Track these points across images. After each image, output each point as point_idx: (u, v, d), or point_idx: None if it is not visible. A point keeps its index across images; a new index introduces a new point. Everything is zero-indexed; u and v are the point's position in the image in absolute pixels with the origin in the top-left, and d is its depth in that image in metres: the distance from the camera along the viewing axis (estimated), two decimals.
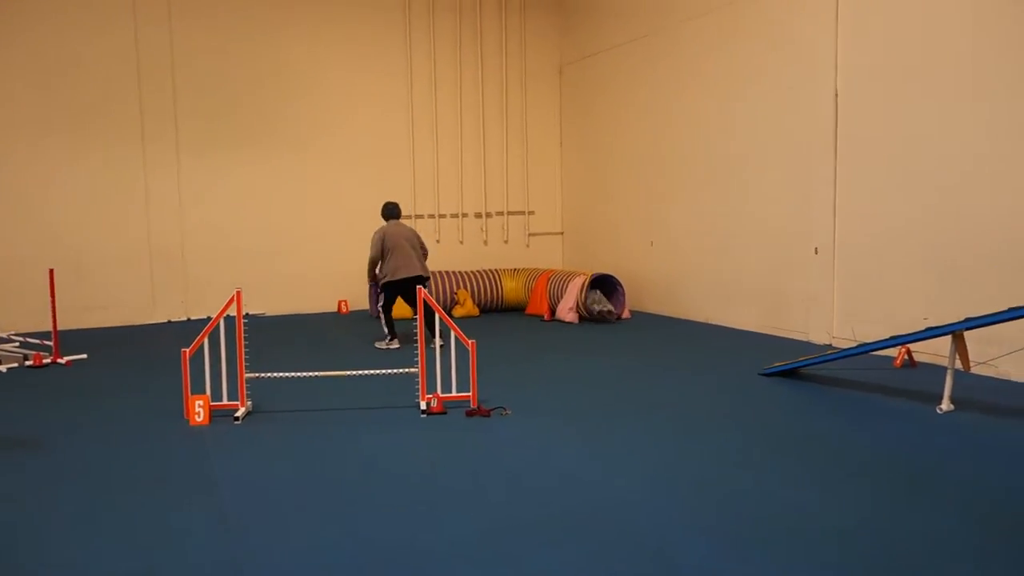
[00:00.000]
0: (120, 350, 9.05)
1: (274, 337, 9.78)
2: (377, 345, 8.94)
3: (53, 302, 8.39)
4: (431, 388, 6.17)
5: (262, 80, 11.99)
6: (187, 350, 5.85)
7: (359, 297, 12.32)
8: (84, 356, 8.50)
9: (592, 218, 13.09)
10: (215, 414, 5.85)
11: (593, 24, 12.69)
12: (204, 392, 5.87)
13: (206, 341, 5.89)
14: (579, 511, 3.97)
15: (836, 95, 8.37)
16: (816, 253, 8.69)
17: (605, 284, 11.13)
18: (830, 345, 8.44)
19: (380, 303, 9.05)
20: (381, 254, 8.77)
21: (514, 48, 13.40)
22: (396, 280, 8.68)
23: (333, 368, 6.90)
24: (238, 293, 5.89)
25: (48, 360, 8.21)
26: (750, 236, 9.72)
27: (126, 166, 11.32)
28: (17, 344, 8.91)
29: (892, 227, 7.84)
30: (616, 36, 12.07)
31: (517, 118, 13.53)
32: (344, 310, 12.22)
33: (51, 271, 8.45)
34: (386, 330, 8.93)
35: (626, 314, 11.06)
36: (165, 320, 11.46)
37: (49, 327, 8.47)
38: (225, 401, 5.96)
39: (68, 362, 8.24)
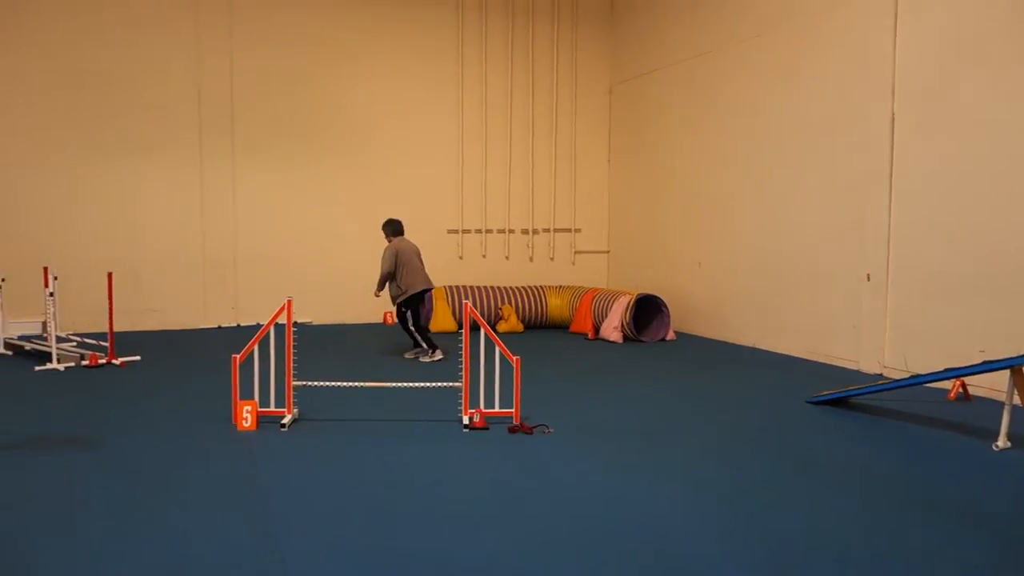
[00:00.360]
0: (172, 353, 9.27)
1: (320, 346, 9.92)
2: (423, 359, 9.00)
3: (111, 304, 8.64)
4: (474, 403, 6.19)
5: (316, 91, 12.24)
6: (237, 356, 5.97)
7: None
8: (138, 358, 8.72)
9: (639, 238, 13.03)
10: (262, 420, 5.95)
11: (644, 44, 12.69)
12: (252, 398, 5.97)
13: (256, 348, 6.00)
14: (618, 533, 3.94)
15: (893, 119, 8.22)
16: (868, 280, 8.52)
17: (650, 305, 11.06)
18: (881, 375, 8.25)
19: (408, 321, 9.05)
20: (394, 269, 8.89)
21: (565, 66, 13.47)
22: (415, 293, 8.92)
23: (377, 379, 6.97)
24: (289, 302, 6.00)
25: (103, 360, 8.45)
26: (799, 260, 9.58)
27: (184, 173, 11.65)
28: (75, 344, 9.19)
29: (948, 255, 7.66)
30: (667, 56, 12.04)
31: (566, 135, 13.57)
32: (390, 322, 12.34)
33: (110, 274, 8.72)
34: (424, 345, 9.03)
35: (671, 336, 10.96)
36: (216, 325, 11.71)
37: (105, 328, 8.71)
38: (272, 408, 6.06)
39: (122, 363, 8.47)
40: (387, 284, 9.02)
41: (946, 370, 6.08)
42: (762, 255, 10.22)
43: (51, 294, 8.33)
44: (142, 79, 11.38)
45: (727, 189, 10.87)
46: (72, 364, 8.33)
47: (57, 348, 8.38)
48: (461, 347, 6.20)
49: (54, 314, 8.50)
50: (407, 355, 9.18)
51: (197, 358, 8.95)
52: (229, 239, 11.92)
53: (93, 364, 8.32)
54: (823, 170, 9.21)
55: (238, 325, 11.77)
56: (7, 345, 9.26)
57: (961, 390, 7.17)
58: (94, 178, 11.25)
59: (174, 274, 11.61)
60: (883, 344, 8.38)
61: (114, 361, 8.48)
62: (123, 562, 3.55)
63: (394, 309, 9.28)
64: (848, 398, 6.95)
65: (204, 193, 11.75)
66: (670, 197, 12.15)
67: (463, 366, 6.13)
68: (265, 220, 12.05)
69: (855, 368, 8.65)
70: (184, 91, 11.57)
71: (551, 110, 13.45)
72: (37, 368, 8.19)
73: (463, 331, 6.18)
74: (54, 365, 8.22)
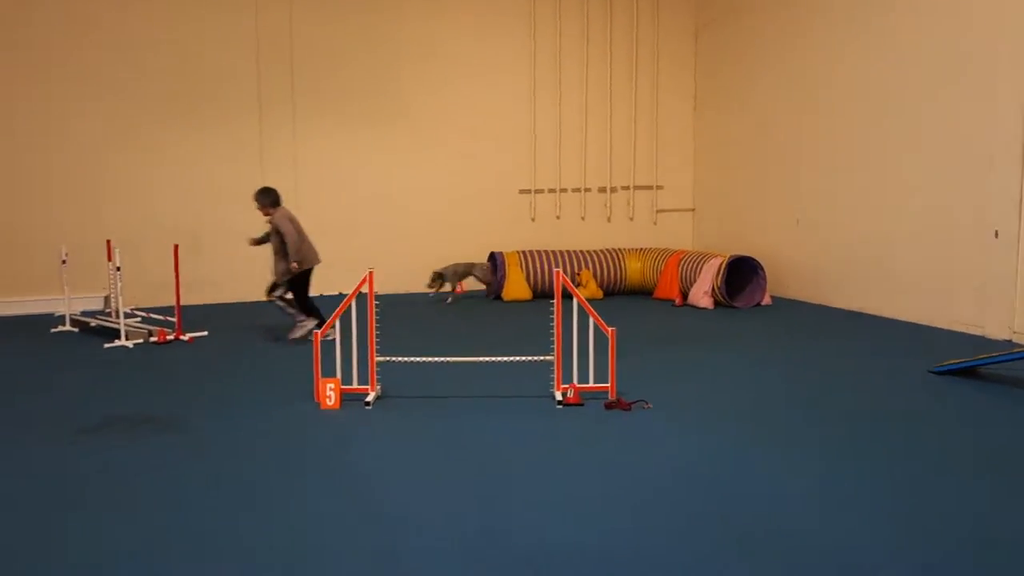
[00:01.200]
0: (238, 328, 9.53)
1: (392, 318, 10.07)
2: (298, 334, 8.60)
3: (177, 278, 8.92)
4: (567, 378, 6.23)
5: (379, 51, 12.28)
6: (319, 332, 6.11)
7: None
8: (205, 333, 9.01)
9: (728, 194, 12.82)
10: (345, 398, 6.09)
11: None
12: (334, 375, 6.12)
13: (337, 323, 6.14)
14: (731, 521, 3.94)
15: None
16: (996, 237, 8.22)
17: (743, 267, 10.90)
18: (1010, 341, 8.00)
19: (285, 291, 8.59)
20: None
21: (646, 5, 13.21)
22: (309, 268, 8.58)
23: (458, 352, 7.06)
24: (370, 274, 6.10)
25: (171, 336, 8.75)
26: (915, 215, 9.30)
27: (243, 141, 11.87)
28: (139, 320, 9.53)
29: None
30: None
31: (647, 83, 13.35)
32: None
33: (176, 247, 8.98)
34: (303, 315, 8.61)
35: (767, 300, 10.81)
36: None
37: (165, 302, 8.97)
38: (355, 385, 6.20)
39: (191, 339, 8.76)
40: (278, 258, 8.51)
41: None
42: (870, 210, 9.95)
43: (117, 268, 8.61)
44: (203, 48, 11.60)
45: (830, 137, 10.57)
46: (140, 341, 8.65)
47: (126, 325, 8.70)
48: (552, 317, 6.22)
49: (121, 289, 8.81)
50: (296, 335, 8.63)
51: (264, 332, 9.19)
52: (290, 205, 12.10)
53: (162, 340, 8.62)
54: (944, 113, 8.87)
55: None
56: (73, 322, 9.65)
57: None
58: (147, 145, 11.54)
59: (234, 244, 11.88)
60: (1013, 307, 8.11)
61: (182, 337, 8.77)
62: (236, 545, 3.70)
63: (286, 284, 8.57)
64: (977, 367, 6.77)
65: (264, 156, 11.97)
66: (764, 149, 11.89)
67: (554, 338, 6.16)
68: (327, 188, 12.22)
69: (979, 334, 8.40)
70: (243, 58, 11.75)
71: (630, 56, 13.23)
72: (106, 345, 8.53)
73: (553, 301, 6.20)
74: (122, 342, 8.55)
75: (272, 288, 8.67)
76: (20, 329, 9.70)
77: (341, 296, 5.96)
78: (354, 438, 5.31)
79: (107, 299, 10.65)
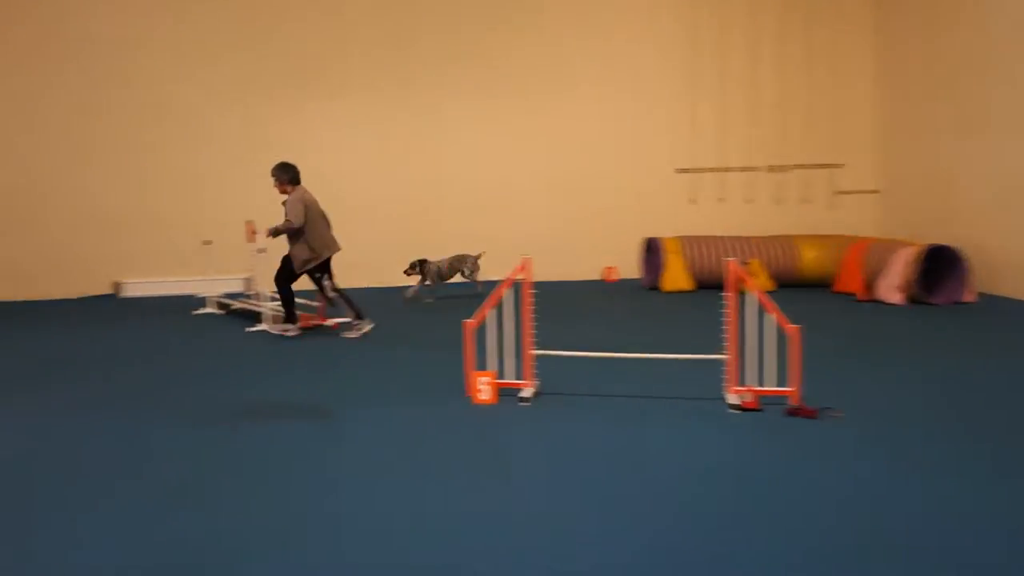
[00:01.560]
0: (383, 313, 9.79)
1: (542, 306, 10.10)
2: (289, 333, 8.69)
3: None
4: (742, 379, 6.03)
5: (518, 23, 12.32)
6: (470, 321, 6.17)
7: (628, 263, 12.40)
8: (348, 319, 9.30)
9: (920, 172, 12.09)
10: (500, 393, 6.13)
11: None
12: (487, 368, 6.17)
13: (492, 312, 6.18)
14: (948, 555, 3.67)
15: None
16: None
17: (940, 258, 10.26)
18: None
19: (286, 278, 8.65)
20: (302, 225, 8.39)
21: None
22: (322, 261, 8.50)
23: (614, 347, 6.97)
24: (526, 261, 6.10)
25: (314, 322, 9.09)
26: None
27: (386, 121, 12.23)
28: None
29: None
30: None
31: (823, 45, 12.76)
32: (612, 277, 12.35)
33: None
34: (287, 312, 8.69)
35: (970, 297, 10.13)
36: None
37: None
38: (510, 379, 6.23)
39: (335, 324, 9.07)
40: (292, 244, 8.49)
41: None
42: None
43: (261, 250, 9.02)
44: (344, 21, 12.01)
45: None
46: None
47: (269, 308, 9.11)
48: (722, 311, 6.03)
49: (262, 272, 9.21)
50: (280, 330, 8.77)
51: (407, 318, 9.41)
52: (432, 189, 12.39)
53: (305, 326, 8.97)
54: None
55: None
56: (218, 304, 10.21)
57: None
58: (291, 125, 12.06)
59: (373, 228, 12.25)
60: None
61: (325, 322, 9.10)
62: (387, 543, 3.77)
63: (289, 271, 8.64)
64: None
65: (408, 141, 12.29)
66: (966, 119, 11.12)
67: (726, 336, 5.98)
68: (471, 167, 12.42)
69: None
70: (377, 32, 12.07)
71: (804, 14, 12.68)
72: (248, 329, 8.96)
73: (722, 292, 6.01)
74: (266, 327, 8.94)
75: (317, 281, 8.62)
76: (164, 310, 10.34)
77: (493, 284, 6.03)
78: (510, 437, 5.31)
79: (248, 281, 11.19)
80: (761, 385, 5.99)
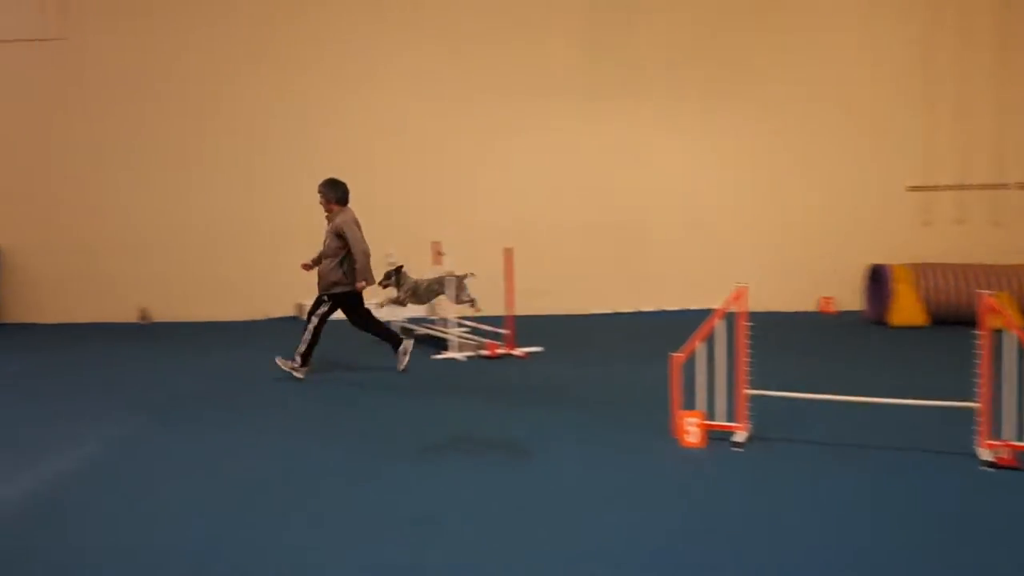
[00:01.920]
0: (575, 343, 9.84)
1: (758, 341, 9.85)
2: (297, 374, 8.31)
3: (510, 286, 9.37)
4: (997, 432, 5.61)
5: (739, 33, 12.18)
6: (678, 355, 6.07)
7: (847, 293, 11.95)
8: (540, 349, 9.40)
9: None
10: (709, 436, 5.99)
11: None
12: (696, 408, 6.04)
13: (702, 346, 6.06)
14: None
15: None
16: None
17: None
18: None
19: (322, 311, 8.26)
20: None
21: None
22: (350, 291, 8.20)
23: (836, 388, 6.67)
24: (742, 289, 5.96)
25: (502, 351, 9.24)
26: None
27: (566, 137, 12.39)
28: (467, 331, 10.19)
29: None
30: None
31: None
32: (831, 309, 11.88)
33: (508, 250, 9.43)
34: (302, 351, 8.22)
35: None
36: (610, 311, 12.25)
37: (493, 311, 9.45)
38: (720, 421, 6.08)
39: (525, 354, 9.18)
40: (331, 264, 8.16)
41: None
42: None
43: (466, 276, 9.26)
44: (528, 36, 12.32)
45: None
46: (471, 354, 9.24)
47: (457, 336, 9.36)
48: (965, 351, 5.64)
49: (457, 297, 9.44)
50: (288, 366, 8.30)
51: (603, 350, 9.38)
52: (629, 210, 12.38)
53: (493, 355, 9.14)
54: None
55: (637, 311, 12.18)
56: (402, 330, 10.57)
57: None
58: (469, 138, 12.43)
59: (555, 249, 12.34)
60: None
61: (514, 351, 9.23)
62: None
63: (327, 298, 8.27)
64: None
65: (598, 159, 12.38)
66: None
67: (979, 379, 5.58)
68: (675, 182, 12.35)
69: None
70: (568, 45, 12.29)
71: None
72: (434, 356, 9.22)
73: (978, 330, 5.62)
74: (454, 354, 9.18)
75: (315, 307, 8.30)
76: (344, 333, 10.82)
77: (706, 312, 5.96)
78: (722, 487, 5.16)
79: (432, 306, 11.52)
80: (1020, 440, 5.56)
